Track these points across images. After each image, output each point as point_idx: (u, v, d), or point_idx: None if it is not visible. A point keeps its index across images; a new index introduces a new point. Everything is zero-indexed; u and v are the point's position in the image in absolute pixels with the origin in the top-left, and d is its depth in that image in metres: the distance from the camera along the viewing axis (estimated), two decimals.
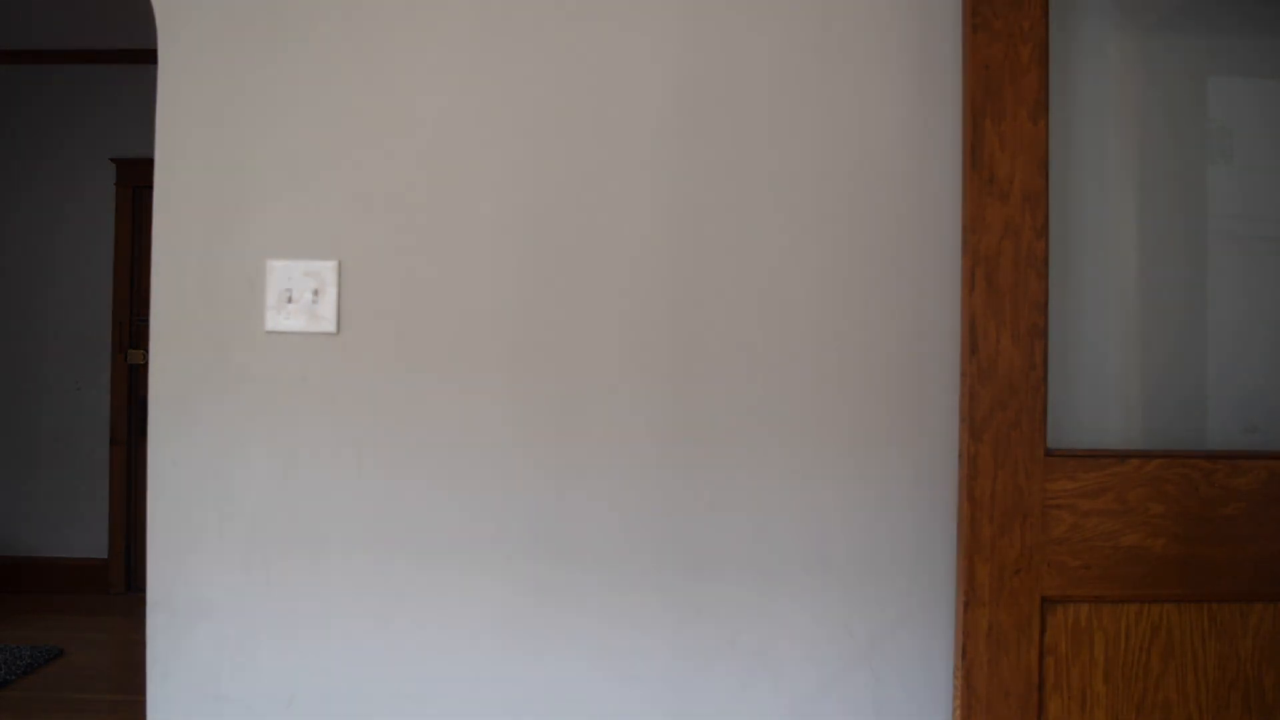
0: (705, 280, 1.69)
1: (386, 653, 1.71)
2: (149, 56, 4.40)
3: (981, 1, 1.57)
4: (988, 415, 1.56)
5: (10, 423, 4.76)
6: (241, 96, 1.73)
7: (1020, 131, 1.57)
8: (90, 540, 4.73)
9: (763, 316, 1.69)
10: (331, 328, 1.71)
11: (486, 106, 1.71)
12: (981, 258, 1.57)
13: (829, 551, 1.68)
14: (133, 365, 4.70)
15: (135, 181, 4.70)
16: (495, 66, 1.72)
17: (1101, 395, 1.72)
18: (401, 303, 1.72)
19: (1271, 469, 1.57)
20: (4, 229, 4.77)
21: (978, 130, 1.57)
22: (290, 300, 1.71)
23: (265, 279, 1.72)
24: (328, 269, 1.71)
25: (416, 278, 1.72)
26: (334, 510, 1.72)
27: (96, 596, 4.64)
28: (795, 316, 1.68)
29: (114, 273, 4.73)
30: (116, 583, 4.71)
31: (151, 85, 1.78)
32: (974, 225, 1.57)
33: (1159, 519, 1.57)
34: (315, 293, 1.71)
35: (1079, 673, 1.57)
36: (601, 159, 1.70)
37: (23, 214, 4.77)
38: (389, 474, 1.71)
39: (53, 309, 4.76)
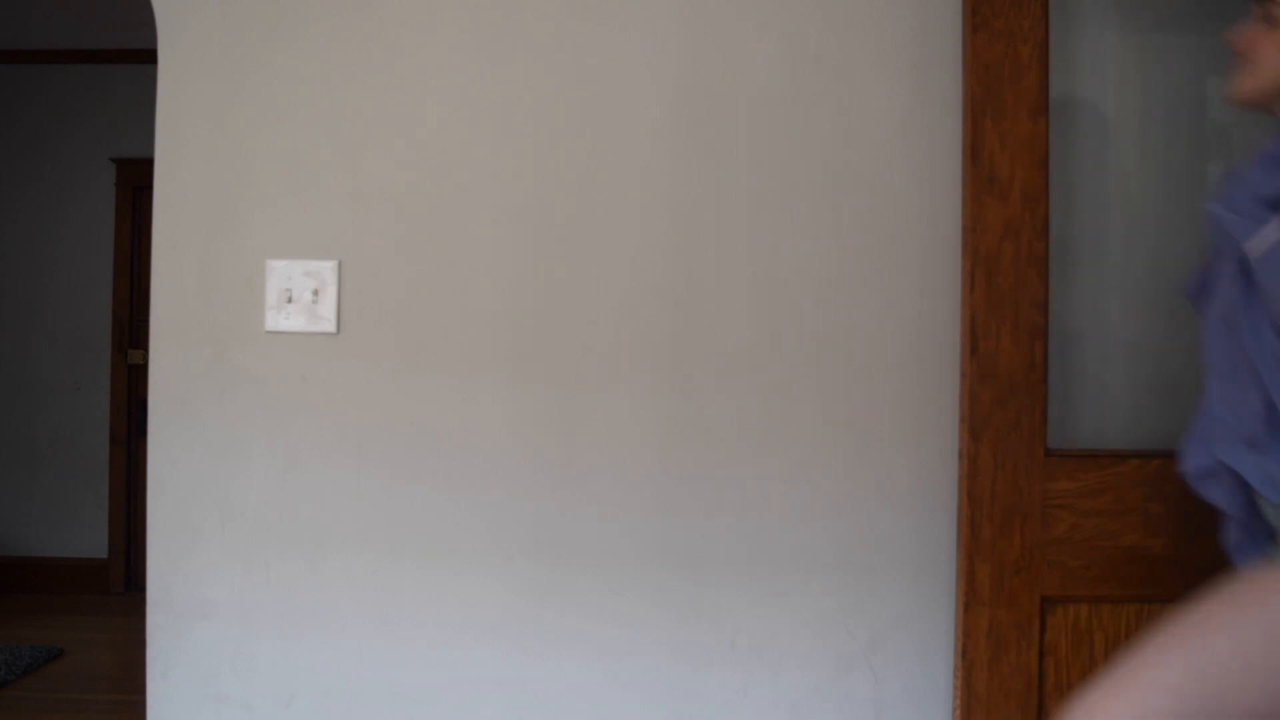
0: (705, 281, 1.69)
1: (386, 653, 1.71)
2: (149, 56, 4.38)
3: (981, 1, 1.57)
4: (988, 415, 1.56)
5: (10, 423, 4.76)
6: (241, 96, 1.73)
7: (1020, 131, 1.57)
8: (90, 540, 4.73)
9: (762, 317, 1.69)
10: (331, 328, 1.71)
11: (486, 107, 1.71)
12: (981, 258, 1.57)
13: (828, 552, 1.68)
14: (133, 365, 4.70)
15: (135, 181, 4.69)
16: (495, 67, 1.72)
17: (1101, 395, 1.72)
18: (401, 303, 1.72)
19: None
20: (4, 229, 4.77)
21: (978, 130, 1.57)
22: (290, 300, 1.71)
23: (265, 279, 1.72)
24: (328, 269, 1.71)
25: (416, 278, 1.72)
26: (334, 510, 1.72)
27: (96, 596, 4.63)
28: (795, 317, 1.68)
29: (114, 273, 4.72)
30: (116, 583, 4.70)
31: (151, 85, 1.78)
32: (974, 225, 1.57)
33: (1159, 519, 1.56)
34: (315, 293, 1.71)
35: (1079, 673, 1.57)
36: (601, 160, 1.70)
37: (23, 214, 4.77)
38: (389, 474, 1.71)
39: (53, 309, 4.76)
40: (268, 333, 1.72)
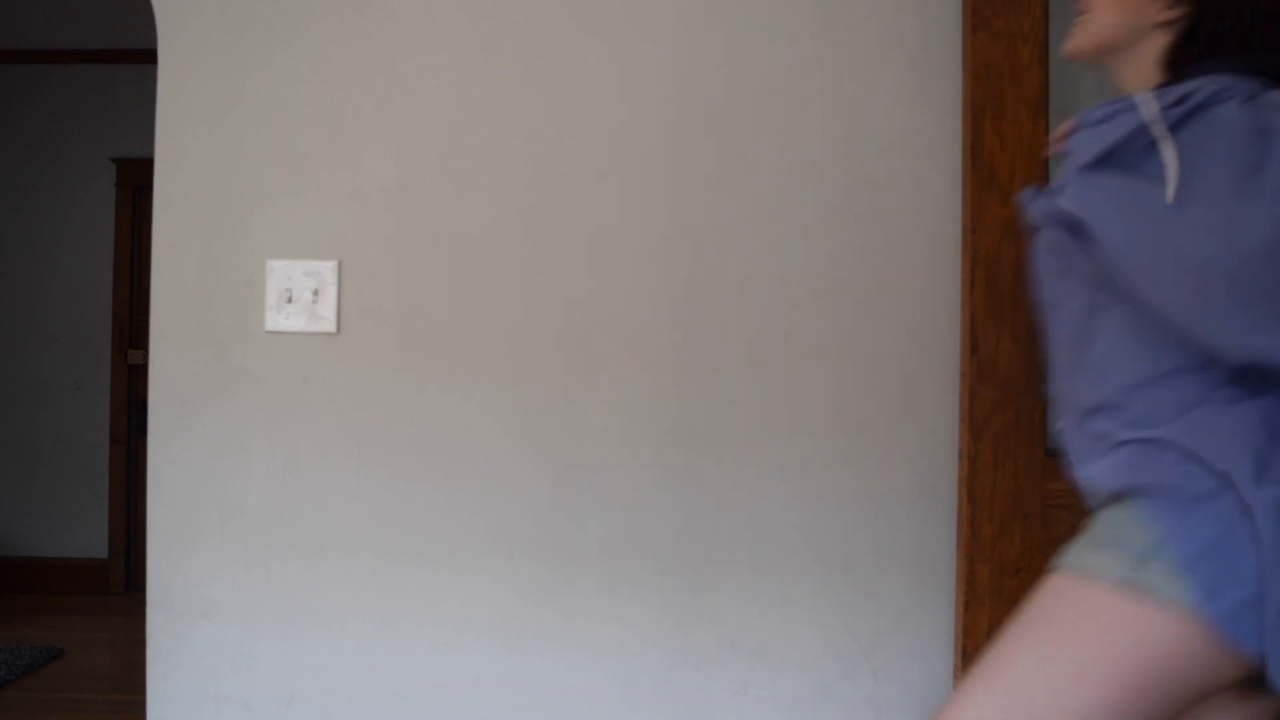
0: (704, 281, 1.69)
1: (386, 653, 1.71)
2: (149, 56, 4.39)
3: (981, 1, 1.57)
4: (988, 415, 1.56)
5: (10, 423, 4.76)
6: (241, 96, 1.73)
7: (1020, 131, 1.57)
8: (90, 540, 4.73)
9: (762, 316, 1.69)
10: (331, 328, 1.72)
11: (486, 108, 1.71)
12: (981, 258, 1.57)
13: (828, 552, 1.68)
14: (133, 365, 4.70)
15: (135, 181, 4.69)
16: (495, 68, 1.72)
17: None
18: (401, 303, 1.72)
19: None
20: (4, 229, 4.77)
21: (978, 130, 1.57)
22: (290, 300, 1.71)
23: (265, 279, 1.72)
24: (328, 269, 1.71)
25: (416, 278, 1.72)
26: (334, 510, 1.72)
27: (96, 596, 4.63)
28: (795, 317, 1.68)
29: (114, 273, 4.72)
30: (116, 583, 4.70)
31: (151, 85, 1.78)
32: (974, 225, 1.57)
33: None
34: (315, 293, 1.71)
35: None
36: (601, 160, 1.70)
37: (23, 214, 4.77)
38: (389, 474, 1.71)
39: (53, 309, 4.75)
40: (268, 333, 1.72)
